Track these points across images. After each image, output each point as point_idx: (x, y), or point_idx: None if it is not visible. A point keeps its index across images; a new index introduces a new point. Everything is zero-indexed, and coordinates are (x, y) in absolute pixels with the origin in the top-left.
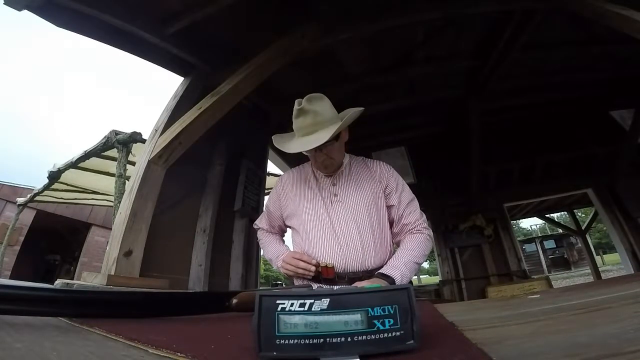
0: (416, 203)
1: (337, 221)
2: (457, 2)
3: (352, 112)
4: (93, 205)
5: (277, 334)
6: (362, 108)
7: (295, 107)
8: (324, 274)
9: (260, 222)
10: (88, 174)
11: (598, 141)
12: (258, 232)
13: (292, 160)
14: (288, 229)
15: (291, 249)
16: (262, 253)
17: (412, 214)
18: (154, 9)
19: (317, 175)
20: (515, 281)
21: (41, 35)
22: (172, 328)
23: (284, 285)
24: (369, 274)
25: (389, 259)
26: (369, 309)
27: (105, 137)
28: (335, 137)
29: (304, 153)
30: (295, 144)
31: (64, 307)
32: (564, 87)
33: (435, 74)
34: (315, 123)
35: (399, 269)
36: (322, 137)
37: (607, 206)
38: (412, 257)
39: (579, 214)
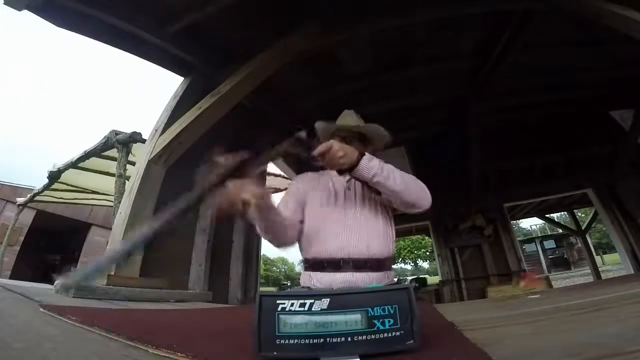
0: None
1: (345, 209)
2: (457, 2)
3: (377, 127)
4: (93, 205)
5: (277, 333)
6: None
7: (345, 112)
8: None
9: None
10: (88, 174)
11: (598, 141)
12: None
13: (293, 161)
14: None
15: (301, 246)
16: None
17: None
18: (154, 9)
19: (333, 179)
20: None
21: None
22: (172, 328)
23: (290, 287)
24: (376, 262)
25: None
26: (369, 309)
27: (105, 137)
28: (362, 143)
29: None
30: (333, 122)
31: None
32: (564, 87)
33: (435, 74)
34: (357, 121)
35: (380, 161)
36: (359, 123)
37: (607, 206)
38: (395, 169)
39: (579, 214)
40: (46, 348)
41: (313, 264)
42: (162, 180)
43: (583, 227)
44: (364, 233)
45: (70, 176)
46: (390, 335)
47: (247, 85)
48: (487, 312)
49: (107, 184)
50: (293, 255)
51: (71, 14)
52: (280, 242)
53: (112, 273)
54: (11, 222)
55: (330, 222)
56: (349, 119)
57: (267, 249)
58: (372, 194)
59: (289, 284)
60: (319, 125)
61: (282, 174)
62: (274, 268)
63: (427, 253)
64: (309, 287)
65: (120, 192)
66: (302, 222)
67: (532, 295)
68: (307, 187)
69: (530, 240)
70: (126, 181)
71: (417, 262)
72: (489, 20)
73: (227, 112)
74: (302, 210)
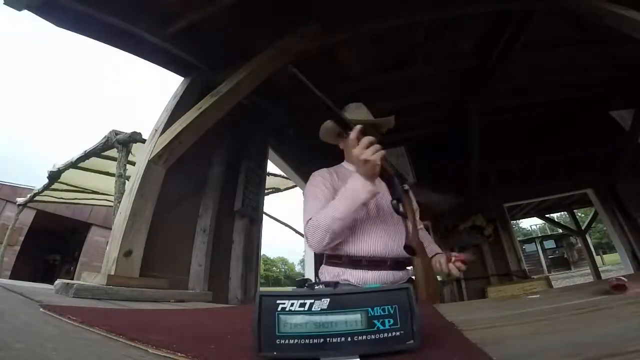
0: None
1: (380, 212)
2: (457, 2)
3: (393, 119)
4: (93, 205)
5: (277, 333)
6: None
7: (354, 104)
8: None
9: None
10: (88, 174)
11: (598, 141)
12: (311, 221)
13: (293, 161)
14: None
15: None
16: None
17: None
18: (154, 9)
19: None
20: (515, 281)
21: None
22: (172, 328)
23: (316, 283)
24: (405, 260)
25: None
26: (369, 309)
27: (105, 137)
28: (378, 133)
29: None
30: (356, 117)
31: None
32: (564, 87)
33: (435, 74)
34: (369, 115)
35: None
36: (370, 116)
37: (607, 206)
38: None
39: (579, 214)
40: (46, 348)
41: (349, 261)
42: (162, 180)
43: (583, 227)
44: (400, 233)
45: (70, 176)
46: (390, 335)
47: (247, 85)
48: (487, 312)
49: (107, 184)
50: (293, 255)
51: (71, 14)
52: (336, 242)
53: (112, 273)
54: (11, 222)
55: (370, 221)
56: (364, 112)
57: (267, 249)
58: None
59: (317, 281)
60: (330, 124)
61: (282, 174)
62: (274, 268)
63: None
64: (337, 282)
65: (120, 192)
66: None
67: (532, 295)
68: (334, 184)
69: (530, 240)
70: (126, 181)
71: None
72: (488, 20)
73: (227, 112)
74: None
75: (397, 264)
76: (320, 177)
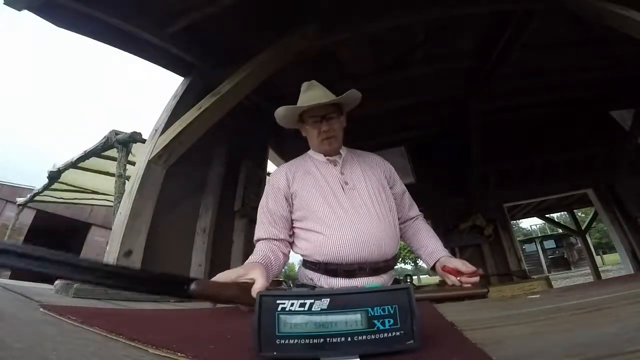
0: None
1: (353, 210)
2: (457, 2)
3: (355, 92)
4: (93, 205)
5: (277, 333)
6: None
7: (305, 84)
8: None
9: (260, 232)
10: (88, 174)
11: (598, 141)
12: (257, 245)
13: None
14: (294, 229)
15: (299, 248)
16: None
17: (414, 204)
18: (154, 9)
19: (320, 166)
20: (515, 281)
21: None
22: (172, 328)
23: (290, 285)
24: (387, 263)
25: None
26: (369, 309)
27: (105, 137)
28: (340, 112)
29: (308, 120)
30: (306, 101)
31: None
32: (564, 87)
33: (435, 74)
34: (326, 95)
35: (445, 250)
36: (333, 97)
37: (607, 206)
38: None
39: (579, 214)
40: (46, 348)
41: (324, 270)
42: (162, 180)
43: (583, 227)
44: (378, 236)
45: (70, 176)
46: (390, 335)
47: (247, 85)
48: (487, 312)
49: (107, 184)
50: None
51: (71, 14)
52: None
53: None
54: (11, 222)
55: (341, 225)
56: (319, 92)
57: None
58: (371, 183)
59: (290, 284)
60: (281, 112)
61: None
62: None
63: None
64: (313, 287)
65: (120, 192)
66: (292, 221)
67: (532, 295)
68: (290, 189)
69: (530, 240)
70: (126, 181)
71: (417, 262)
72: (489, 20)
73: (227, 112)
74: (289, 209)
75: (375, 271)
76: (271, 189)
